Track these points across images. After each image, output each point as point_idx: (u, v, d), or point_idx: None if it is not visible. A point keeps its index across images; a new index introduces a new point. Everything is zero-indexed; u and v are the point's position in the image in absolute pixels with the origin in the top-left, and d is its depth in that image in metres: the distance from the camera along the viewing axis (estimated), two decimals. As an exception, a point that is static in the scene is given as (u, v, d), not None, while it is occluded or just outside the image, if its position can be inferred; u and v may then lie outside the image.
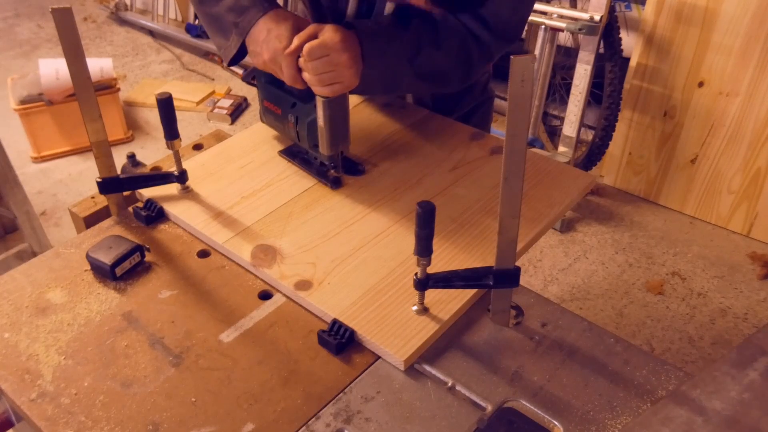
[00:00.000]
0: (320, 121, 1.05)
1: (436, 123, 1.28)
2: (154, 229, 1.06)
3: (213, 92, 3.42)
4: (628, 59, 2.53)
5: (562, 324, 0.90)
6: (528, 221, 1.03)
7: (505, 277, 0.86)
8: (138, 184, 1.10)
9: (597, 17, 2.32)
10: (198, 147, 1.26)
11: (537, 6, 2.42)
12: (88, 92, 0.96)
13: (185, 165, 1.11)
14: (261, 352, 0.86)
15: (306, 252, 0.99)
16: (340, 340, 0.86)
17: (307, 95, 1.05)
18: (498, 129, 2.71)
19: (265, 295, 0.95)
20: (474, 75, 1.14)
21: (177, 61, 3.76)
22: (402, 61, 1.04)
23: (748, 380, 0.77)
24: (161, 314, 0.92)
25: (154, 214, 1.07)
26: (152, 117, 3.25)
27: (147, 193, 1.10)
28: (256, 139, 1.25)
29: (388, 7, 1.09)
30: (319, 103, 1.02)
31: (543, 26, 2.48)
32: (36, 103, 2.79)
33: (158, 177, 1.11)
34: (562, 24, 2.39)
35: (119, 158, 1.03)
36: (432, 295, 0.90)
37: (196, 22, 3.74)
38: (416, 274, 0.85)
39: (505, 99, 2.68)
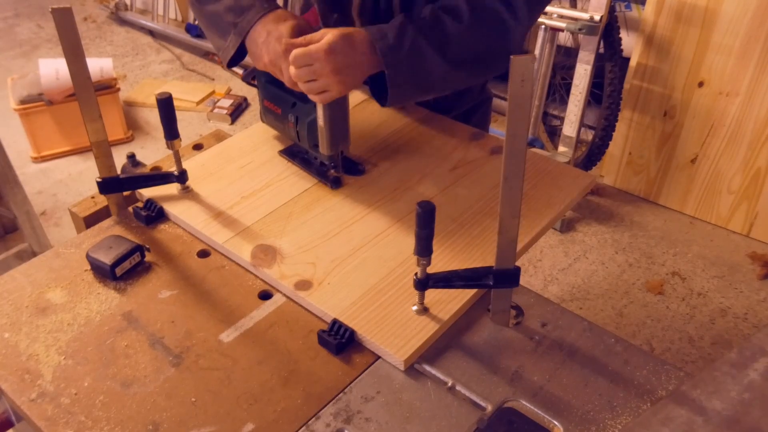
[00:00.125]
0: (320, 121, 1.05)
1: (436, 123, 1.28)
2: (154, 229, 1.06)
3: (213, 92, 3.42)
4: (628, 59, 2.53)
5: (562, 324, 0.90)
6: (528, 221, 1.03)
7: (505, 277, 0.86)
8: (138, 184, 1.10)
9: (597, 17, 2.32)
10: (198, 147, 1.26)
11: (537, 6, 2.42)
12: (88, 92, 0.96)
13: (185, 165, 1.11)
14: (261, 352, 0.86)
15: (306, 252, 0.99)
16: (340, 340, 0.86)
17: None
18: (498, 129, 2.71)
19: (265, 295, 0.95)
20: (513, 44, 1.06)
21: (177, 61, 3.76)
22: (428, 55, 1.00)
23: (749, 380, 0.77)
24: (161, 314, 0.92)
25: (154, 214, 1.07)
26: (152, 117, 3.26)
27: (147, 193, 1.10)
28: (256, 139, 1.25)
29: None
30: (320, 103, 1.02)
31: (543, 26, 2.48)
32: (36, 103, 2.79)
33: (158, 177, 1.11)
34: (562, 24, 2.39)
35: (119, 158, 1.03)
36: (432, 295, 0.90)
37: (196, 22, 3.74)
38: (416, 274, 0.85)
39: (504, 99, 2.68)
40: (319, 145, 1.08)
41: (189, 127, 3.19)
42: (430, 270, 0.85)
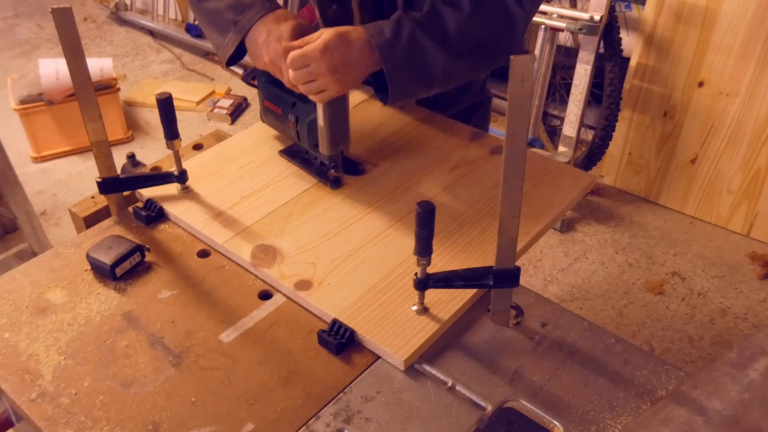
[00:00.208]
0: (320, 120, 1.05)
1: (435, 123, 1.28)
2: (154, 229, 1.06)
3: (213, 92, 3.42)
4: (628, 59, 2.53)
5: (562, 324, 0.90)
6: (528, 221, 1.03)
7: (505, 277, 0.86)
8: (138, 184, 1.10)
9: (597, 17, 2.32)
10: (198, 147, 1.26)
11: (537, 6, 2.42)
12: (88, 92, 0.96)
13: (185, 165, 1.11)
14: (261, 352, 0.86)
15: (306, 252, 0.99)
16: (340, 340, 0.86)
17: (307, 95, 1.05)
18: (498, 129, 2.71)
19: (265, 295, 0.95)
20: (519, 34, 1.04)
21: (177, 61, 3.76)
22: (427, 47, 0.99)
23: (749, 380, 0.77)
24: (161, 314, 0.92)
25: (154, 214, 1.07)
26: (152, 117, 3.25)
27: (147, 193, 1.10)
28: (256, 139, 1.25)
29: None
30: (319, 103, 1.02)
31: (543, 26, 2.48)
32: (36, 103, 2.79)
33: (158, 177, 1.11)
34: (562, 24, 2.39)
35: (119, 158, 1.03)
36: (432, 295, 0.90)
37: (196, 21, 3.74)
38: (416, 274, 0.85)
39: (504, 99, 2.68)
40: (319, 145, 1.08)
41: (189, 127, 3.19)
42: (430, 270, 0.85)
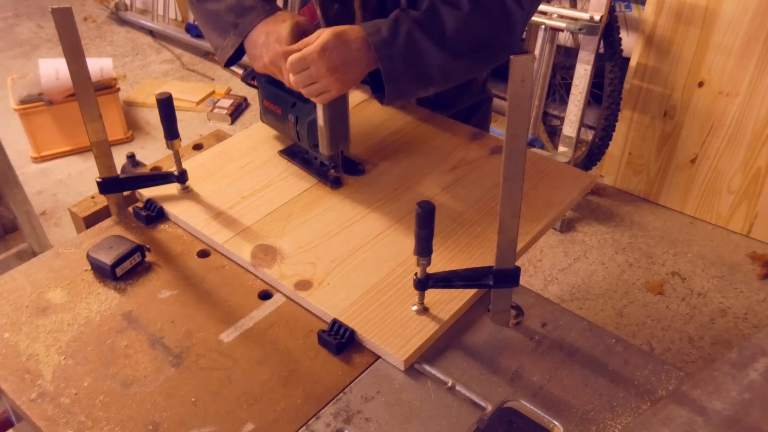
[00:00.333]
0: (320, 120, 1.05)
1: (436, 123, 1.28)
2: (154, 229, 1.06)
3: (213, 92, 3.42)
4: (628, 59, 2.53)
5: (562, 324, 0.90)
6: (528, 221, 1.03)
7: (505, 277, 0.86)
8: (138, 184, 1.10)
9: (597, 17, 2.32)
10: (198, 147, 1.26)
11: (537, 6, 2.42)
12: (88, 92, 0.96)
13: (185, 165, 1.11)
14: (261, 352, 0.86)
15: (306, 252, 0.99)
16: (340, 340, 0.86)
17: (307, 95, 1.05)
18: (498, 129, 2.71)
19: (265, 295, 0.95)
20: (518, 28, 1.04)
21: (177, 61, 3.76)
22: (424, 46, 0.99)
23: (749, 380, 0.77)
24: (161, 314, 0.92)
25: (154, 214, 1.07)
26: (152, 117, 3.25)
27: (147, 193, 1.10)
28: (256, 139, 1.25)
29: None
30: (321, 104, 1.02)
31: (543, 26, 2.48)
32: (36, 103, 2.79)
33: (158, 177, 1.11)
34: (562, 24, 2.39)
35: (119, 158, 1.03)
36: (432, 295, 0.90)
37: (196, 22, 3.74)
38: (416, 274, 0.85)
39: (504, 99, 2.68)
40: (319, 145, 1.08)
41: (189, 127, 3.19)
42: (430, 270, 0.85)
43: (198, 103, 3.33)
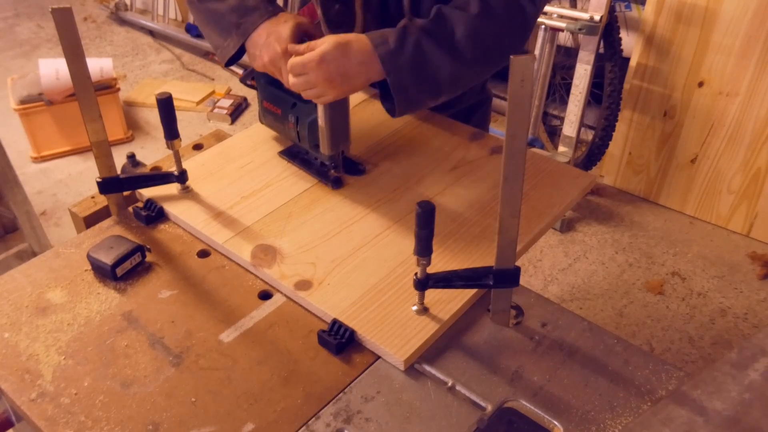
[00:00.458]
0: (321, 121, 1.05)
1: (435, 122, 1.28)
2: (154, 229, 1.06)
3: (213, 92, 3.42)
4: (628, 59, 2.53)
5: (562, 324, 0.90)
6: (528, 221, 1.03)
7: (505, 277, 0.86)
8: (138, 184, 1.10)
9: (597, 17, 2.32)
10: (198, 147, 1.26)
11: (537, 6, 2.42)
12: (88, 92, 0.96)
13: (185, 165, 1.11)
14: (261, 352, 0.86)
15: (306, 252, 0.99)
16: (340, 340, 0.86)
17: (307, 95, 1.05)
18: (498, 129, 2.71)
19: (265, 295, 0.95)
20: (531, 27, 1.00)
21: (177, 61, 3.76)
22: (433, 54, 0.97)
23: (749, 380, 0.77)
24: (161, 314, 0.92)
25: (154, 214, 1.07)
26: (152, 117, 3.25)
27: (147, 193, 1.10)
28: (256, 139, 1.25)
29: None
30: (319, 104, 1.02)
31: (543, 26, 2.48)
32: (36, 103, 2.79)
33: (158, 177, 1.11)
34: (562, 24, 2.39)
35: (119, 158, 1.03)
36: (432, 295, 0.90)
37: (195, 21, 3.74)
38: (416, 274, 0.85)
39: (504, 99, 2.68)
40: (319, 145, 1.08)
41: (189, 127, 3.19)
42: (430, 270, 0.85)
43: (198, 103, 3.33)
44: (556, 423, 0.78)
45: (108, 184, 1.05)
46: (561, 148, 2.62)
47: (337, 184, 1.12)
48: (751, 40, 2.22)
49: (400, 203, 1.09)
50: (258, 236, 1.02)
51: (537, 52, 2.54)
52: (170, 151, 1.06)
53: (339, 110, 1.05)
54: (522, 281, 0.88)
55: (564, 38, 2.85)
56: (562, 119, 2.63)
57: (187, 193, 1.11)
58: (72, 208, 1.11)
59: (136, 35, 4.05)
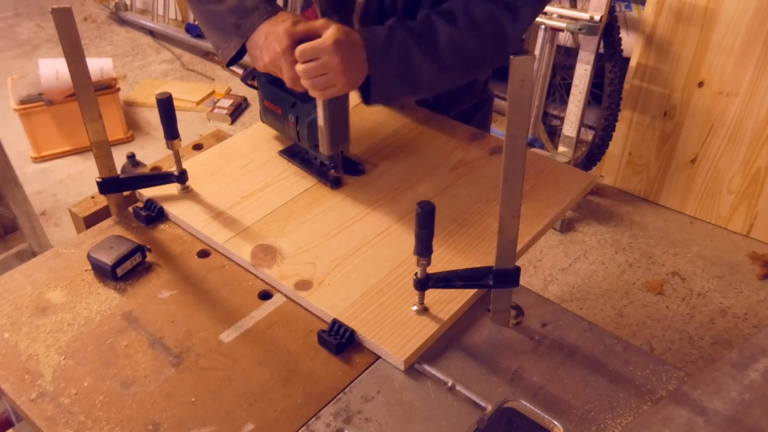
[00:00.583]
0: (320, 120, 1.05)
1: (436, 123, 1.28)
2: (154, 229, 1.06)
3: (213, 92, 3.42)
4: (628, 59, 2.53)
5: (562, 324, 0.90)
6: (528, 221, 1.03)
7: (505, 277, 0.86)
8: (138, 184, 1.10)
9: (597, 17, 2.32)
10: (198, 147, 1.26)
11: (537, 6, 2.42)
12: (88, 92, 0.96)
13: (185, 165, 1.11)
14: (261, 352, 0.86)
15: (306, 252, 0.99)
16: (340, 340, 0.86)
17: (308, 95, 1.05)
18: (498, 129, 2.71)
19: (265, 295, 0.95)
20: (510, 48, 1.06)
21: (177, 61, 3.76)
22: (416, 57, 1.00)
23: (749, 381, 0.77)
24: (161, 314, 0.92)
25: (154, 214, 1.07)
26: (152, 117, 3.25)
27: (147, 193, 1.10)
28: (256, 139, 1.25)
29: None
30: (319, 103, 1.02)
31: (543, 26, 2.48)
32: (36, 103, 2.79)
33: (158, 177, 1.11)
34: (562, 24, 2.39)
35: (119, 158, 1.03)
36: (432, 295, 0.90)
37: (196, 21, 3.74)
38: (416, 274, 0.85)
39: (505, 99, 2.68)
40: (319, 145, 1.08)
41: (189, 127, 3.19)
42: (430, 270, 0.85)
43: (198, 103, 3.33)
44: (556, 423, 0.78)
45: (108, 184, 1.05)
46: (561, 148, 2.62)
47: (336, 184, 1.12)
48: (751, 40, 2.22)
49: (400, 203, 1.09)
50: (258, 236, 1.02)
51: (537, 52, 2.54)
52: (170, 151, 1.06)
53: (338, 110, 1.05)
54: (522, 281, 0.88)
55: (564, 38, 2.85)
56: (562, 119, 2.63)
57: (187, 193, 1.11)
58: (72, 208, 1.11)
59: (136, 35, 4.05)
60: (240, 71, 3.54)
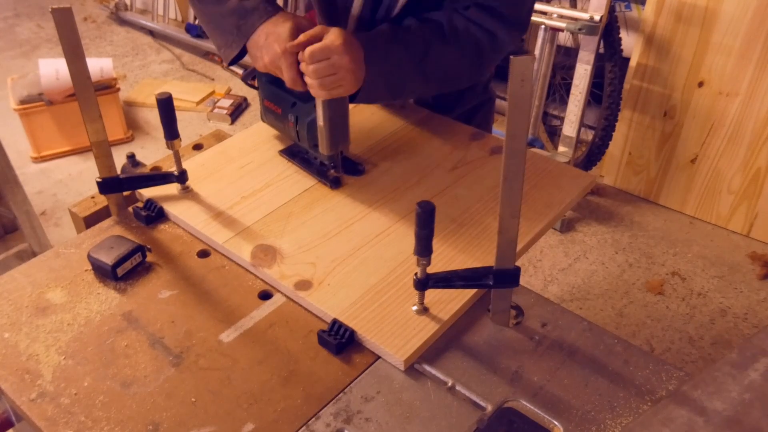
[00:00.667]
0: (320, 120, 1.05)
1: (436, 123, 1.28)
2: (154, 229, 1.06)
3: (213, 92, 3.42)
4: (628, 59, 2.53)
5: (562, 324, 0.90)
6: (528, 221, 1.03)
7: (505, 277, 0.86)
8: (138, 184, 1.10)
9: (597, 17, 2.32)
10: (198, 147, 1.26)
11: (537, 6, 2.42)
12: (88, 92, 0.96)
13: (185, 165, 1.11)
14: (261, 352, 0.86)
15: (306, 252, 0.99)
16: (340, 340, 0.86)
17: (308, 95, 1.05)
18: (498, 129, 2.71)
19: (265, 295, 0.95)
20: (486, 70, 1.13)
21: (177, 61, 3.76)
22: (406, 65, 1.04)
23: (749, 381, 0.77)
24: (161, 314, 0.92)
25: (154, 214, 1.07)
26: (152, 117, 3.25)
27: (147, 193, 1.10)
28: (256, 139, 1.25)
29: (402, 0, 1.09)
30: (319, 102, 1.02)
31: (543, 26, 2.48)
32: (36, 103, 2.79)
33: (158, 177, 1.11)
34: (562, 24, 2.39)
35: (119, 158, 1.03)
36: (432, 295, 0.90)
37: (196, 21, 3.74)
38: (416, 274, 0.85)
39: (505, 99, 2.67)
40: (319, 145, 1.08)
41: (189, 127, 3.19)
42: (430, 270, 0.85)
43: (198, 103, 3.33)
44: (556, 423, 0.78)
45: (108, 184, 1.05)
46: (561, 148, 2.62)
47: (336, 184, 1.12)
48: (751, 40, 2.22)
49: (400, 203, 1.09)
50: (258, 236, 1.02)
51: (537, 52, 2.54)
52: (170, 151, 1.06)
53: (338, 110, 1.05)
54: (522, 281, 0.88)
55: (564, 38, 2.85)
56: (562, 119, 2.63)
57: (187, 193, 1.11)
58: (72, 208, 1.11)
59: (136, 35, 4.05)
60: (240, 71, 3.54)
